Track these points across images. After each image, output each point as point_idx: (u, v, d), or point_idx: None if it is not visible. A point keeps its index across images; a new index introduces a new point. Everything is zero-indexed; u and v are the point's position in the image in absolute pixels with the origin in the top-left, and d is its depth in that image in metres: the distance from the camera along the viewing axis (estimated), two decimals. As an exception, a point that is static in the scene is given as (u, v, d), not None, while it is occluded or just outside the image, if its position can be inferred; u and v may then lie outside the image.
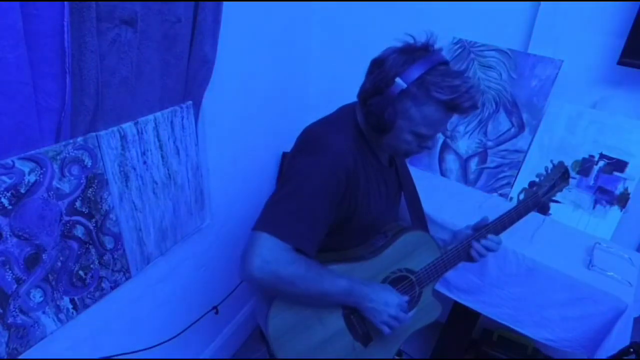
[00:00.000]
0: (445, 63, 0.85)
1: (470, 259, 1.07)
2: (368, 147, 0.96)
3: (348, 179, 0.88)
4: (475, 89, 0.83)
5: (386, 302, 0.93)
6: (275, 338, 0.92)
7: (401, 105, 0.85)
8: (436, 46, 0.86)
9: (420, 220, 1.15)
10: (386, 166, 1.04)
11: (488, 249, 1.05)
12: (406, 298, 0.98)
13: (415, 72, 0.82)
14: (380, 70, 0.86)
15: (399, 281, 1.03)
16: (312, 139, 0.92)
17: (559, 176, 1.14)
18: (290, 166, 0.90)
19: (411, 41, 0.86)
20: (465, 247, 1.06)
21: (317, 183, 0.84)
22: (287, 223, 0.83)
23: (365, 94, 0.90)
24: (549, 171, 1.12)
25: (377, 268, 1.00)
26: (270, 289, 0.89)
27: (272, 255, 0.81)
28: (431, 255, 1.06)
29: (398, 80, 0.82)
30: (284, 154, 1.85)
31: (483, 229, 1.06)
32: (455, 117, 0.91)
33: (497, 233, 1.08)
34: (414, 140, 0.89)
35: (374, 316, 0.93)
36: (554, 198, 1.39)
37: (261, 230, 0.82)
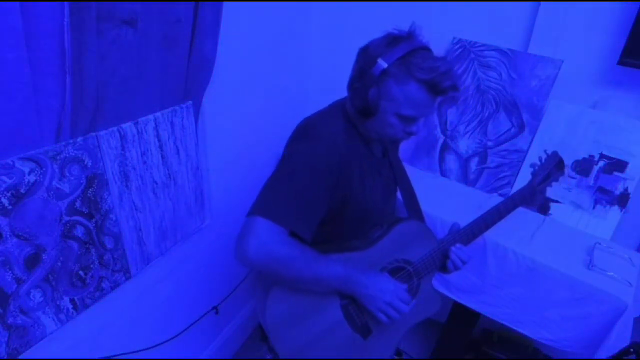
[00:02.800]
0: (427, 49, 0.88)
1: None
2: (360, 137, 0.98)
3: (341, 164, 0.89)
4: (454, 71, 0.87)
5: (381, 289, 0.93)
6: (272, 328, 0.92)
7: (384, 85, 0.87)
8: (420, 37, 0.89)
9: (416, 212, 1.16)
10: (379, 157, 1.06)
11: (462, 260, 1.06)
12: (404, 286, 0.98)
13: (396, 53, 0.84)
14: (364, 56, 0.89)
15: (396, 272, 1.03)
16: (304, 128, 0.96)
17: (553, 165, 1.15)
18: (284, 154, 0.93)
19: (395, 31, 0.89)
20: (462, 236, 1.08)
21: (310, 167, 0.87)
22: (281, 206, 0.85)
23: (352, 79, 0.93)
24: (543, 161, 1.14)
25: (373, 258, 1.00)
26: (266, 272, 0.90)
27: (268, 237, 0.82)
28: (428, 245, 1.07)
29: (379, 60, 0.85)
30: (284, 154, 1.85)
31: (478, 219, 1.09)
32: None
33: (493, 222, 1.10)
34: (399, 124, 0.91)
35: (370, 303, 0.93)
36: (554, 198, 1.40)
37: (256, 215, 0.84)
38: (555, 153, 1.17)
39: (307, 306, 0.94)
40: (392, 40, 0.87)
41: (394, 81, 0.86)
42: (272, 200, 0.86)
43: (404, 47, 0.85)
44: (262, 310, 0.93)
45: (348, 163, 0.92)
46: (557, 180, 1.17)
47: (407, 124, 0.92)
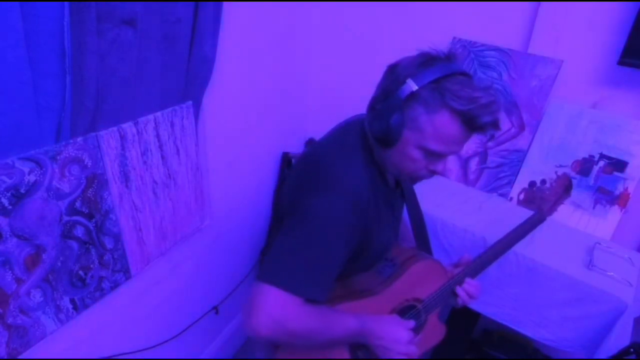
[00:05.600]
0: (467, 75, 0.76)
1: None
2: (377, 169, 0.87)
3: (365, 215, 0.80)
4: (498, 105, 0.74)
5: (395, 339, 0.88)
6: None
7: (411, 111, 0.74)
8: (459, 62, 0.80)
9: (424, 242, 1.10)
10: (392, 187, 0.96)
11: (470, 296, 1.03)
12: (412, 325, 0.94)
13: (430, 75, 0.72)
14: (392, 74, 0.77)
15: (407, 310, 0.99)
16: (322, 173, 0.81)
17: (563, 189, 1.14)
18: (299, 205, 0.78)
19: (431, 51, 0.77)
20: (473, 268, 1.05)
21: (333, 228, 0.76)
22: (299, 275, 0.74)
23: (374, 99, 0.81)
24: (553, 183, 1.12)
25: (386, 301, 0.96)
26: (278, 344, 0.84)
27: (284, 313, 0.72)
28: (438, 281, 1.02)
29: (409, 80, 0.72)
30: (284, 154, 1.85)
31: (488, 251, 1.05)
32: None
33: (502, 252, 1.06)
34: (422, 159, 0.79)
35: (383, 354, 0.89)
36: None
37: (271, 284, 0.72)
38: (565, 175, 1.13)
39: (317, 354, 0.91)
40: (426, 60, 0.75)
41: (424, 108, 0.73)
42: (288, 266, 0.75)
43: (439, 69, 0.72)
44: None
45: (369, 208, 0.81)
46: (562, 203, 1.15)
47: (432, 161, 0.80)
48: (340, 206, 0.76)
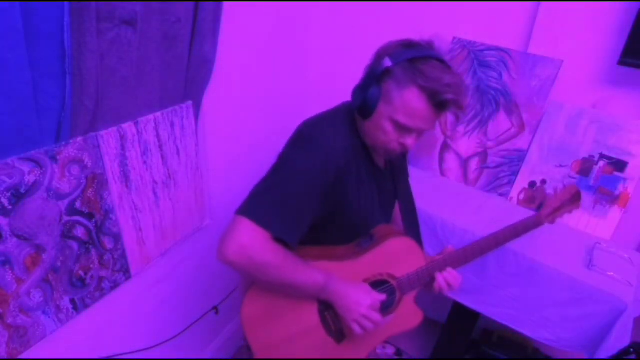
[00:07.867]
0: (442, 61, 0.83)
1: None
2: (363, 147, 0.95)
3: (337, 176, 0.87)
4: (464, 89, 0.82)
5: (358, 301, 0.92)
6: (247, 323, 0.95)
7: (385, 85, 0.83)
8: (440, 49, 0.85)
9: (413, 229, 1.12)
10: (381, 169, 1.02)
11: (449, 284, 1.03)
12: (382, 297, 0.96)
13: (405, 55, 0.81)
14: (376, 54, 0.87)
15: (379, 284, 1.01)
16: (306, 134, 0.91)
17: (568, 198, 1.11)
18: (281, 157, 0.91)
19: (415, 38, 0.86)
20: (451, 260, 1.05)
21: (304, 177, 0.85)
22: (270, 212, 0.84)
23: (362, 77, 0.90)
24: (559, 192, 1.10)
25: (358, 269, 0.99)
26: (244, 273, 0.91)
27: (250, 241, 0.82)
28: (416, 263, 1.03)
29: (386, 58, 0.82)
30: (284, 154, 1.85)
31: (474, 245, 1.05)
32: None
33: (489, 249, 1.06)
34: (393, 132, 0.86)
35: (345, 313, 0.93)
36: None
37: (244, 215, 0.83)
38: (573, 186, 1.11)
39: (285, 306, 0.95)
40: (407, 43, 0.84)
41: (395, 83, 0.82)
42: (261, 203, 0.85)
43: (416, 51, 0.81)
44: (241, 305, 0.95)
45: (345, 172, 0.89)
46: (570, 212, 1.13)
47: (402, 134, 0.87)
48: (313, 162, 0.85)
